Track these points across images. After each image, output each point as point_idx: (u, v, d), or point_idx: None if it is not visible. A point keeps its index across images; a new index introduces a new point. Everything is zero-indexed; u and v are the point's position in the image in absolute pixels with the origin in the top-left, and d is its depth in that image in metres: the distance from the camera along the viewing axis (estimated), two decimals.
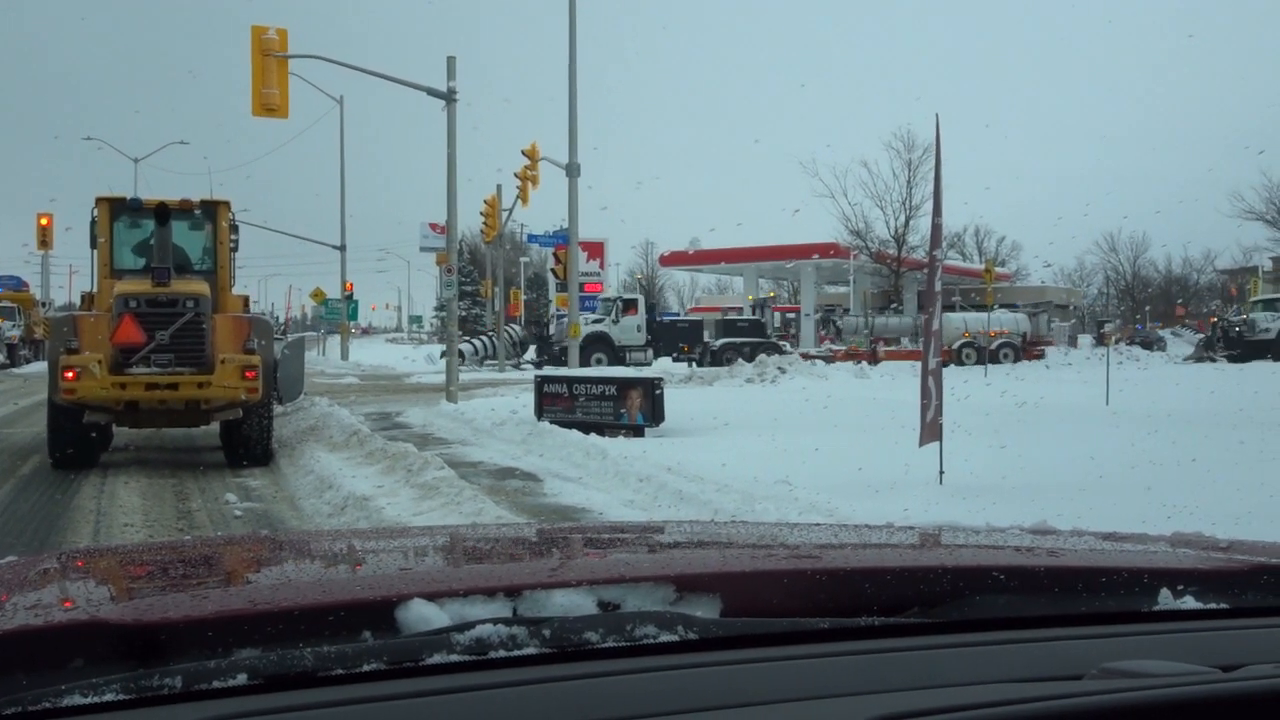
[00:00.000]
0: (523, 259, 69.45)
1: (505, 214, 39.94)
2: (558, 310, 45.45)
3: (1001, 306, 46.45)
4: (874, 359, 36.93)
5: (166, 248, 13.58)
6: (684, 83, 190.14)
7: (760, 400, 21.01)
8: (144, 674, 1.11)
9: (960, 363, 38.06)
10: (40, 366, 26.66)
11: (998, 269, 57.23)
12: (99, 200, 14.73)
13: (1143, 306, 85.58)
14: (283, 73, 19.93)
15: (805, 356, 35.70)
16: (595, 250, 53.20)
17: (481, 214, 38.72)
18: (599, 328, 40.35)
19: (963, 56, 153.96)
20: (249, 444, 13.61)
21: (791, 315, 69.12)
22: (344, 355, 49.62)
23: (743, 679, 1.17)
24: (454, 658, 1.18)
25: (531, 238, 47.88)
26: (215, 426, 14.15)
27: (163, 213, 13.60)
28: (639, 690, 1.14)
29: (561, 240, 33.27)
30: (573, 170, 28.32)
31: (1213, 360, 39.28)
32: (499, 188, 38.74)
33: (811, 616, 1.35)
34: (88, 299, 15.25)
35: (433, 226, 49.99)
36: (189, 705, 1.08)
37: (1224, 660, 1.21)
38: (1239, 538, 1.93)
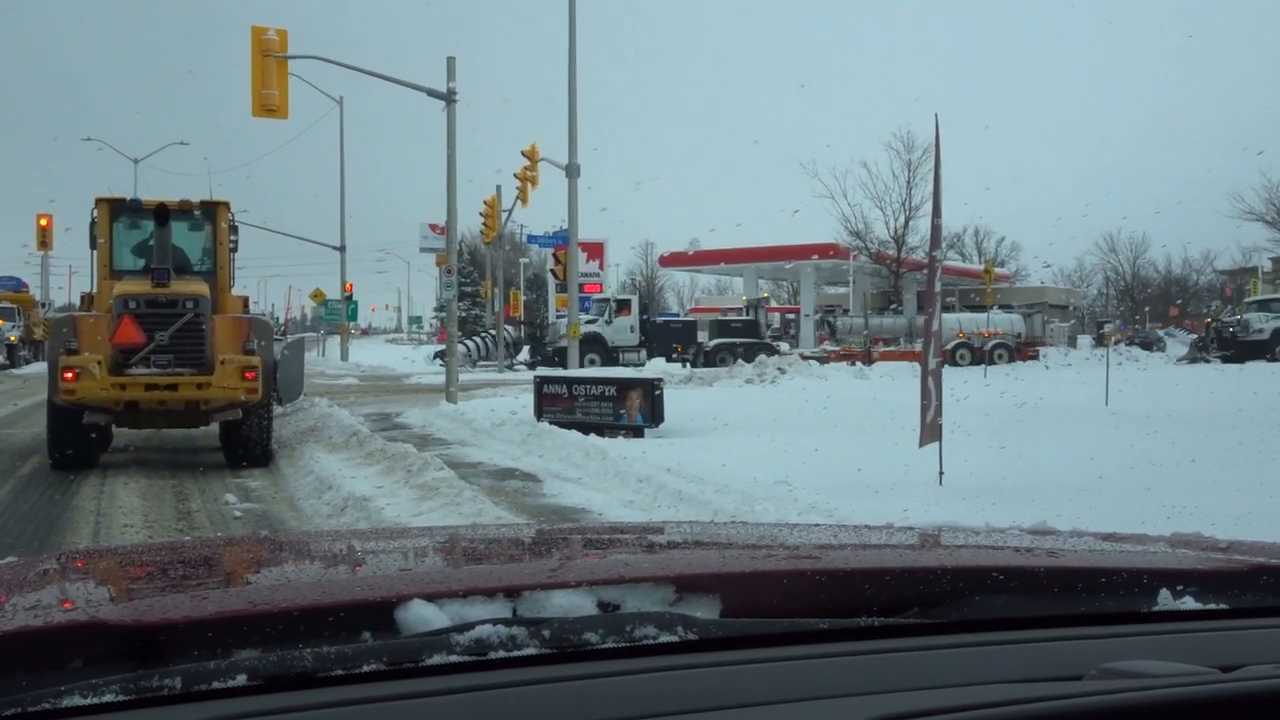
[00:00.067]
0: (522, 259, 69.42)
1: (505, 215, 39.96)
2: (557, 311, 45.45)
3: (984, 307, 46.41)
4: (868, 359, 36.91)
5: (166, 248, 13.58)
6: (683, 83, 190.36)
7: (760, 401, 21.02)
8: (144, 675, 1.11)
9: (955, 363, 38.03)
10: (40, 367, 26.67)
11: (997, 269, 57.26)
12: (98, 201, 14.73)
13: (1142, 307, 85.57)
14: (282, 73, 19.94)
15: (802, 357, 35.70)
16: (595, 251, 53.19)
17: (481, 215, 38.72)
18: (592, 328, 40.34)
19: (962, 57, 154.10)
20: (249, 445, 13.61)
21: (791, 316, 69.17)
22: (344, 356, 49.64)
23: (742, 679, 1.17)
24: (454, 658, 1.18)
25: (531, 238, 47.85)
26: (215, 427, 14.15)
27: (162, 213, 13.59)
28: (639, 691, 1.14)
29: (561, 241, 33.27)
30: (572, 171, 28.33)
31: (1206, 361, 39.25)
32: (499, 188, 38.77)
33: (811, 617, 1.35)
34: (87, 300, 15.25)
35: (432, 227, 49.99)
36: (189, 706, 1.08)
37: (1223, 661, 1.21)
38: (1238, 538, 1.93)
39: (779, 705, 1.11)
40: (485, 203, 38.24)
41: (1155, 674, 1.13)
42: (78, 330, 13.13)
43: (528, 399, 17.73)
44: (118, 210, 14.77)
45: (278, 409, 15.19)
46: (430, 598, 1.29)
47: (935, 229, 10.63)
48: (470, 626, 1.22)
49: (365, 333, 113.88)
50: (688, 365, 38.68)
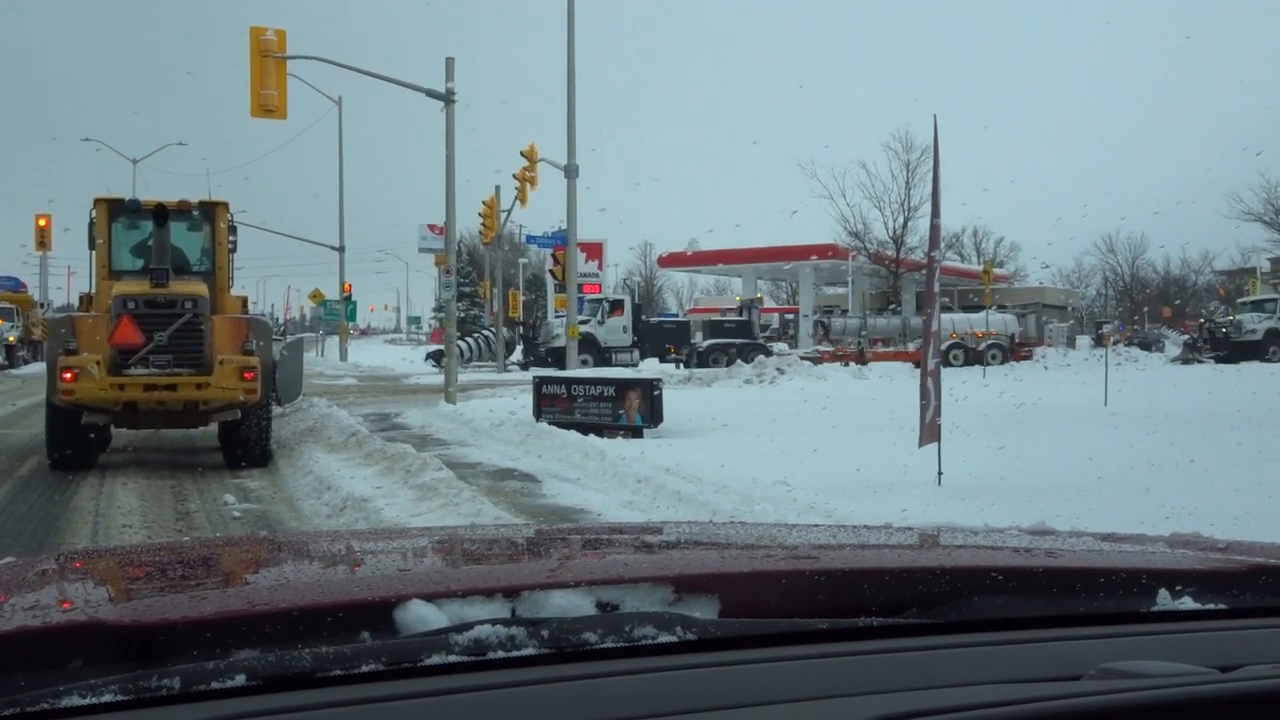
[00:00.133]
0: (521, 260, 69.40)
1: (504, 215, 39.94)
2: (556, 311, 45.42)
3: (983, 307, 46.41)
4: (862, 359, 36.90)
5: (165, 249, 13.57)
6: (683, 84, 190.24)
7: (758, 401, 21.02)
8: (142, 675, 1.11)
9: (949, 364, 37.96)
10: (38, 368, 26.66)
11: (996, 270, 57.31)
12: (97, 201, 14.72)
13: (1141, 308, 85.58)
14: (281, 74, 19.93)
15: (800, 358, 35.70)
16: (594, 251, 53.21)
17: (480, 215, 38.70)
18: (585, 329, 40.27)
19: (961, 58, 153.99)
20: (247, 445, 13.60)
21: (791, 316, 69.15)
22: (342, 356, 49.65)
23: (741, 680, 1.17)
24: (452, 658, 1.18)
25: (530, 239, 47.87)
26: (214, 427, 14.15)
27: (161, 214, 13.58)
28: (637, 691, 1.14)
29: (560, 241, 33.26)
30: (571, 171, 28.31)
31: (1199, 362, 39.21)
32: (497, 189, 38.73)
33: (810, 617, 1.35)
34: (86, 300, 15.24)
35: (431, 228, 49.97)
36: (188, 706, 1.08)
37: (1222, 661, 1.21)
38: (1237, 538, 1.93)
39: (778, 705, 1.11)
40: (484, 203, 38.23)
41: (1154, 674, 1.13)
42: (76, 331, 13.13)
43: (526, 399, 17.73)
44: (116, 210, 14.76)
45: (276, 409, 15.18)
46: (429, 598, 1.29)
47: (934, 229, 10.63)
48: (469, 626, 1.22)
49: (364, 333, 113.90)
50: (681, 366, 38.65)
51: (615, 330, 42.08)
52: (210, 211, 14.98)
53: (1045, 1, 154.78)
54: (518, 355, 45.51)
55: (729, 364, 35.89)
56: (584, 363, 36.69)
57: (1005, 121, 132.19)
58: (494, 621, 1.23)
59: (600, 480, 11.60)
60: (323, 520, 9.93)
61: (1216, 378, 27.21)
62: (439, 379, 28.24)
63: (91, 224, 14.69)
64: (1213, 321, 45.24)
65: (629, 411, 15.43)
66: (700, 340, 43.75)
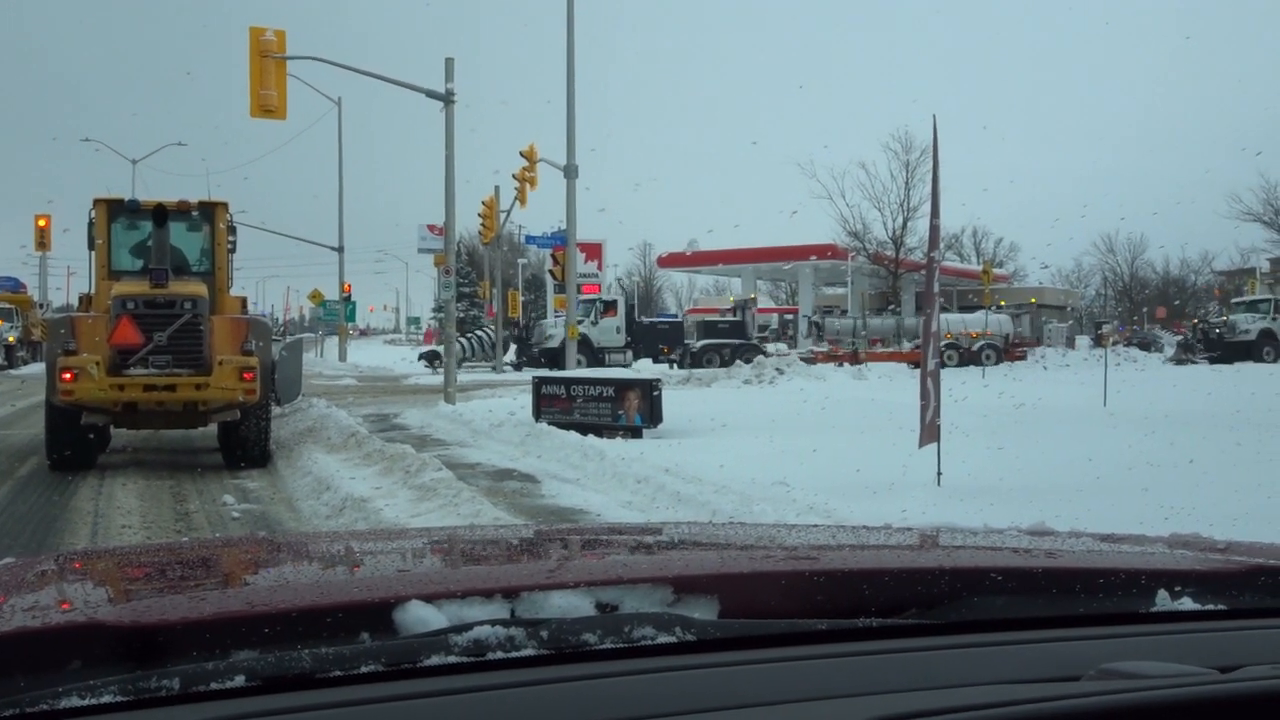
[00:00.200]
0: (521, 260, 69.43)
1: (503, 215, 39.92)
2: (555, 311, 45.42)
3: (982, 308, 46.39)
4: (856, 360, 36.88)
5: (164, 249, 13.57)
6: (682, 84, 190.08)
7: (758, 401, 21.02)
8: (142, 676, 1.11)
9: (942, 364, 37.94)
10: (38, 368, 26.64)
11: (995, 270, 57.31)
12: (97, 201, 14.72)
13: (1140, 308, 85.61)
14: (281, 74, 19.93)
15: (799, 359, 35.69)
16: (593, 251, 53.25)
17: (479, 215, 38.68)
18: (579, 329, 40.30)
19: (961, 58, 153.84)
20: (247, 445, 13.60)
21: (790, 317, 69.20)
22: (342, 356, 49.64)
23: (741, 680, 1.17)
24: (452, 659, 1.18)
25: (529, 239, 47.88)
26: (213, 428, 14.14)
27: (160, 214, 13.58)
28: (637, 691, 1.14)
29: (559, 241, 33.28)
30: (570, 172, 28.32)
31: (1193, 362, 39.18)
32: (497, 189, 38.71)
33: (809, 618, 1.35)
34: (85, 300, 15.24)
35: (431, 228, 50.02)
36: (187, 707, 1.08)
37: (1221, 661, 1.21)
38: (1236, 539, 1.93)
39: (777, 706, 1.11)
40: (483, 203, 38.22)
41: (1153, 675, 1.13)
42: (76, 331, 13.12)
43: (526, 400, 17.73)
44: (116, 211, 14.76)
45: (276, 409, 15.18)
46: (428, 599, 1.29)
47: (933, 230, 10.63)
48: (468, 627, 1.22)
49: (363, 333, 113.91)
50: (674, 366, 38.62)
51: (608, 331, 42.05)
52: (209, 212, 14.99)
53: (1045, 1, 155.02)
54: (511, 356, 45.49)
55: (722, 364, 35.89)
56: (578, 363, 36.72)
57: (1005, 121, 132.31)
58: (493, 622, 1.23)
59: (599, 481, 11.60)
60: (322, 521, 9.93)
61: (1215, 378, 27.22)
62: (438, 379, 28.24)
63: (91, 224, 14.69)
64: (1206, 322, 45.20)
65: (628, 412, 15.43)
66: (693, 341, 43.74)
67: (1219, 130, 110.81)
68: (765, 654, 1.24)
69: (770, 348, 45.12)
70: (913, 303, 50.88)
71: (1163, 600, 1.48)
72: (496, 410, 18.54)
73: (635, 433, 15.15)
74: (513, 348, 46.00)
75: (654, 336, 44.56)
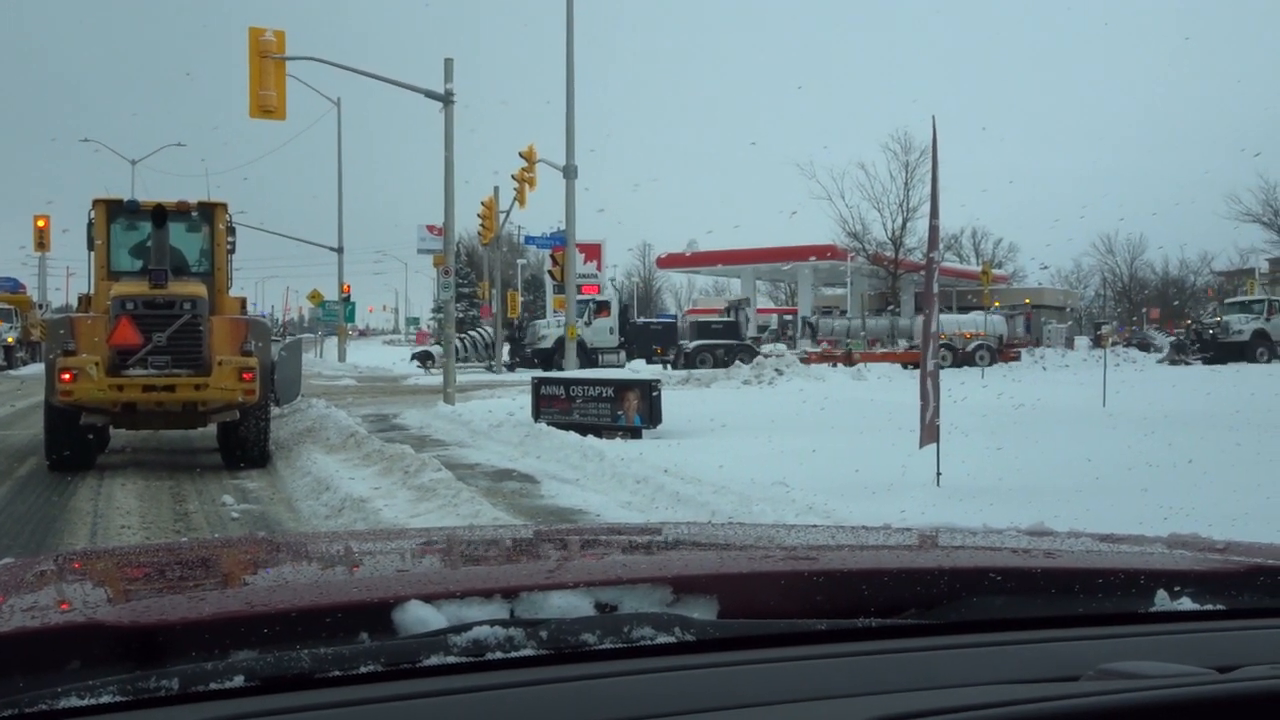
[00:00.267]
0: (520, 260, 69.42)
1: (502, 216, 39.93)
2: (554, 311, 45.41)
3: (976, 309, 46.37)
4: (849, 360, 36.88)
5: (163, 250, 13.57)
6: (682, 84, 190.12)
7: (757, 402, 21.02)
8: (141, 676, 1.11)
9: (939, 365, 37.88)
10: (37, 368, 26.66)
11: (995, 271, 57.32)
12: (96, 202, 14.72)
13: (1139, 308, 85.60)
14: (280, 74, 19.93)
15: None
16: (593, 252, 53.27)
17: (479, 216, 38.70)
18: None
19: (960, 58, 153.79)
20: (246, 446, 13.60)
21: (790, 317, 69.14)
22: (341, 357, 49.65)
23: (740, 680, 1.17)
24: (451, 659, 1.18)
25: (529, 239, 47.93)
26: (212, 428, 14.15)
27: (160, 215, 13.59)
28: (636, 692, 1.14)
29: (559, 242, 33.28)
30: (570, 172, 28.34)
31: (1186, 363, 39.16)
32: (496, 189, 38.73)
33: (809, 618, 1.35)
34: (85, 301, 15.24)
35: (430, 229, 49.97)
36: (186, 707, 1.08)
37: (1220, 661, 1.21)
38: (1235, 539, 1.93)
39: (777, 706, 1.11)
40: (483, 204, 38.22)
41: (1152, 675, 1.13)
42: (75, 331, 13.12)
43: (525, 400, 17.72)
44: (115, 211, 14.76)
45: (275, 410, 15.18)
46: (428, 599, 1.29)
47: (933, 230, 10.62)
48: (468, 627, 1.22)
49: (363, 334, 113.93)
50: (668, 367, 38.59)
51: (602, 331, 42.04)
52: (209, 212, 14.98)
53: (1045, 1, 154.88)
54: (505, 356, 45.50)
55: (716, 365, 35.85)
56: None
57: (1004, 122, 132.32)
58: (493, 622, 1.23)
59: (599, 481, 11.60)
60: (321, 521, 9.93)
61: (1214, 379, 27.20)
62: (436, 380, 28.24)
63: (90, 225, 14.68)
64: (1200, 323, 45.19)
65: (628, 412, 15.43)
66: (688, 341, 43.71)
67: (1219, 131, 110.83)
68: (765, 654, 1.24)
69: (766, 348, 45.04)
70: (912, 303, 50.87)
71: (1162, 600, 1.48)
72: (496, 411, 18.54)
73: (634, 433, 15.15)
74: (507, 348, 46.04)
75: (648, 337, 44.55)
